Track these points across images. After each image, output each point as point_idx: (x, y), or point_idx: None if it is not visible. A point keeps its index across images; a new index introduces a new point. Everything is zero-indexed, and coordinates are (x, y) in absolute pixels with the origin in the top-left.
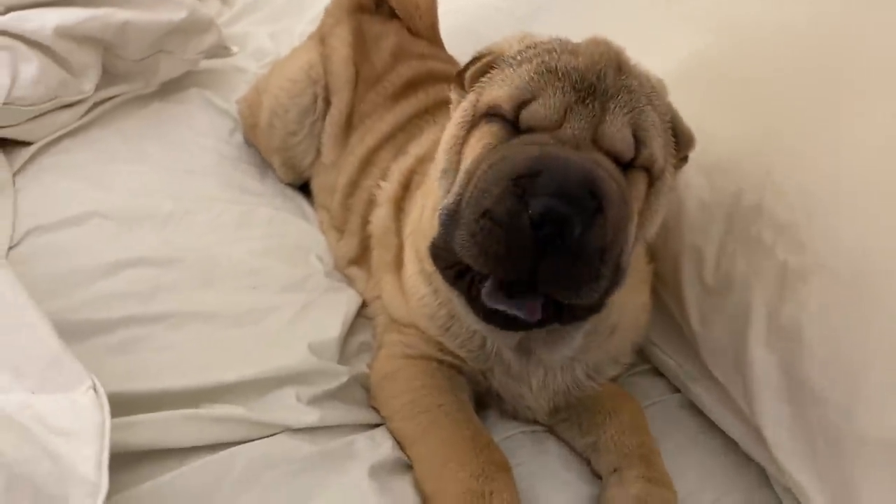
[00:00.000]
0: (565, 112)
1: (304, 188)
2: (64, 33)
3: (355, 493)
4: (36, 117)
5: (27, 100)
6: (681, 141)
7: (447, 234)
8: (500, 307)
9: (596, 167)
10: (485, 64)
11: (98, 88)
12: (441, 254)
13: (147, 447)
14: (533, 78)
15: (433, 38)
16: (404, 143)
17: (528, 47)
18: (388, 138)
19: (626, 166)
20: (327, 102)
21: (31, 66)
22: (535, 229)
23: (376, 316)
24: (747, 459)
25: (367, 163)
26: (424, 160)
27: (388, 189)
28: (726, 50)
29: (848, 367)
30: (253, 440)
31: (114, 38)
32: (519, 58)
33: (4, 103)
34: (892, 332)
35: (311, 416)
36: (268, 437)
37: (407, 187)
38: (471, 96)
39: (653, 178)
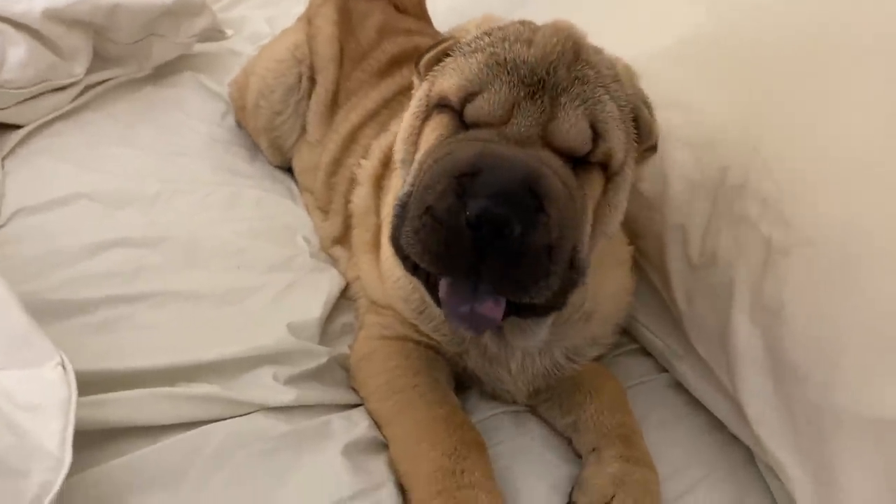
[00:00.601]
0: (512, 108)
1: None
2: (52, 16)
3: (329, 472)
4: (26, 100)
5: (15, 83)
6: (642, 132)
7: (398, 226)
8: (456, 307)
9: (539, 165)
10: (441, 50)
11: (90, 72)
12: (398, 245)
13: (120, 424)
14: (482, 70)
15: (420, 14)
16: (387, 120)
17: (485, 34)
18: (372, 116)
19: (580, 161)
20: (312, 82)
21: (20, 50)
22: (473, 230)
23: (358, 298)
24: (733, 438)
25: (350, 140)
26: None
27: (368, 167)
28: (718, 27)
29: (828, 344)
30: (227, 419)
31: (104, 20)
32: (472, 46)
33: None
34: (872, 309)
35: (288, 396)
36: (243, 415)
37: (387, 165)
38: (425, 85)
39: (610, 173)
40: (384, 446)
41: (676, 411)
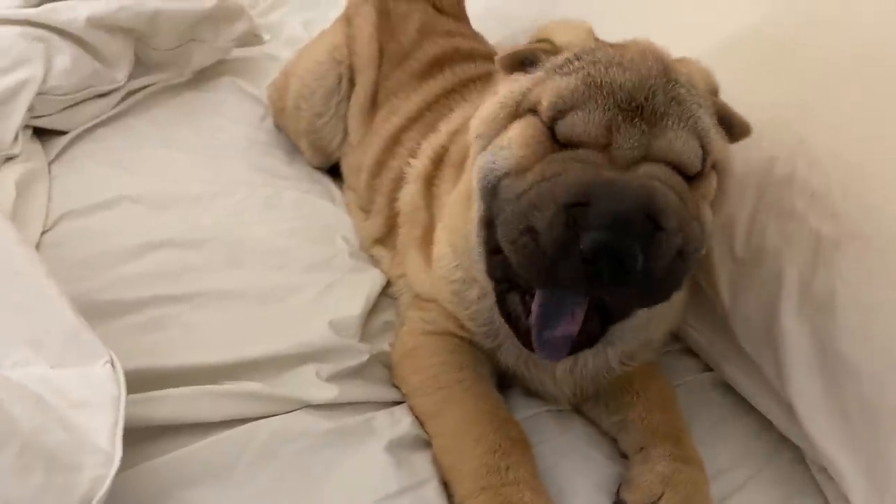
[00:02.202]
0: (609, 129)
1: (332, 171)
2: (96, 24)
3: (373, 468)
4: (70, 106)
5: (61, 89)
6: (736, 131)
7: (488, 226)
8: (549, 331)
9: (651, 182)
10: (528, 52)
11: (132, 78)
12: (496, 266)
13: (167, 422)
14: (578, 88)
15: (459, 14)
16: (434, 121)
17: (577, 58)
18: (416, 118)
19: (692, 177)
20: (352, 83)
21: (65, 57)
22: (589, 263)
23: (401, 294)
24: (782, 438)
25: (393, 142)
26: (456, 136)
27: (418, 166)
28: (768, 26)
29: (882, 338)
30: (272, 416)
31: (145, 27)
32: (566, 69)
33: (39, 93)
34: None
35: (331, 393)
36: (287, 413)
37: (438, 164)
38: (523, 83)
39: (720, 171)
40: (428, 443)
41: (724, 411)
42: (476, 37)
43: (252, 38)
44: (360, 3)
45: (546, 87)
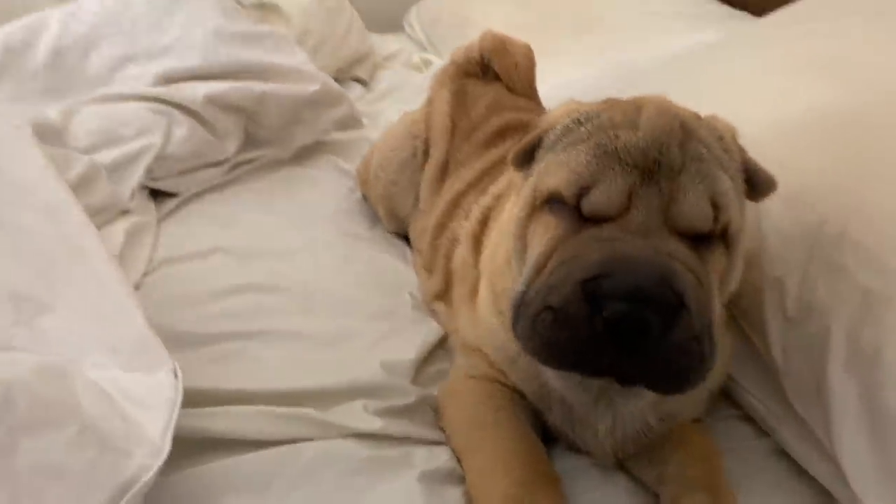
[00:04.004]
0: (630, 196)
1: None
2: (211, 101)
3: (403, 496)
4: (184, 173)
5: (176, 156)
6: (759, 188)
7: (515, 322)
8: None
9: (670, 261)
10: (531, 140)
11: (241, 151)
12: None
13: (222, 435)
14: (591, 161)
15: (531, 95)
16: (487, 185)
17: (579, 122)
18: (475, 183)
19: (702, 239)
20: (426, 155)
21: (183, 129)
22: (610, 335)
23: (455, 348)
24: None
25: (453, 206)
26: (501, 197)
27: (467, 227)
28: (826, 98)
29: None
30: (318, 440)
31: (254, 106)
32: (570, 138)
33: (157, 158)
34: None
35: (375, 424)
36: (332, 438)
37: (485, 223)
38: (531, 179)
39: (729, 240)
40: (462, 479)
41: (777, 476)
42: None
43: (352, 121)
44: (440, 87)
45: (553, 167)
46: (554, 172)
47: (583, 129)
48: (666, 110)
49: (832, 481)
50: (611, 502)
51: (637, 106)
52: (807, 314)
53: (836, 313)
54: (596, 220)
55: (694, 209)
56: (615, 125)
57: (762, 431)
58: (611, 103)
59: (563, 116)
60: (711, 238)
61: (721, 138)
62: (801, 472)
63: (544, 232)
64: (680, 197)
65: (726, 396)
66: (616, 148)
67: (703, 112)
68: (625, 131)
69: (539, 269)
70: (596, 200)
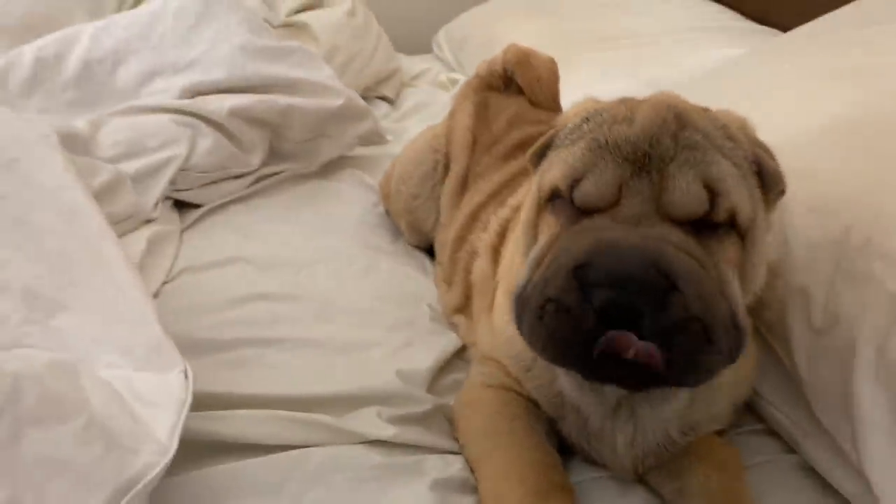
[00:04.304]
0: (620, 187)
1: (431, 252)
2: (236, 114)
3: (413, 501)
4: (208, 184)
5: (200, 167)
6: (767, 181)
7: (519, 318)
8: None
9: (661, 243)
10: (545, 141)
11: (265, 164)
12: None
13: (232, 439)
14: (584, 154)
15: (554, 108)
16: (506, 197)
17: (585, 120)
18: (494, 195)
19: (705, 226)
20: (447, 169)
21: (207, 141)
22: (602, 322)
23: (473, 359)
24: None
25: (473, 218)
26: (519, 209)
27: (486, 238)
28: (855, 107)
29: None
30: (329, 445)
31: (279, 119)
32: (575, 134)
33: (182, 169)
34: None
35: (388, 431)
36: (343, 444)
37: (503, 235)
38: (536, 178)
39: (742, 230)
40: (475, 488)
41: (803, 494)
42: None
43: (376, 137)
44: (462, 100)
45: (553, 163)
46: (553, 168)
47: (585, 126)
48: (664, 103)
49: (859, 497)
50: None
51: (641, 102)
52: (833, 324)
53: (864, 322)
54: (590, 212)
55: (684, 194)
56: (614, 120)
57: (787, 446)
58: (622, 100)
59: (575, 115)
60: (718, 226)
61: (725, 127)
62: (826, 488)
63: (547, 231)
64: (670, 184)
65: (751, 410)
66: (608, 141)
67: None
68: (620, 126)
69: (538, 264)
70: (586, 191)
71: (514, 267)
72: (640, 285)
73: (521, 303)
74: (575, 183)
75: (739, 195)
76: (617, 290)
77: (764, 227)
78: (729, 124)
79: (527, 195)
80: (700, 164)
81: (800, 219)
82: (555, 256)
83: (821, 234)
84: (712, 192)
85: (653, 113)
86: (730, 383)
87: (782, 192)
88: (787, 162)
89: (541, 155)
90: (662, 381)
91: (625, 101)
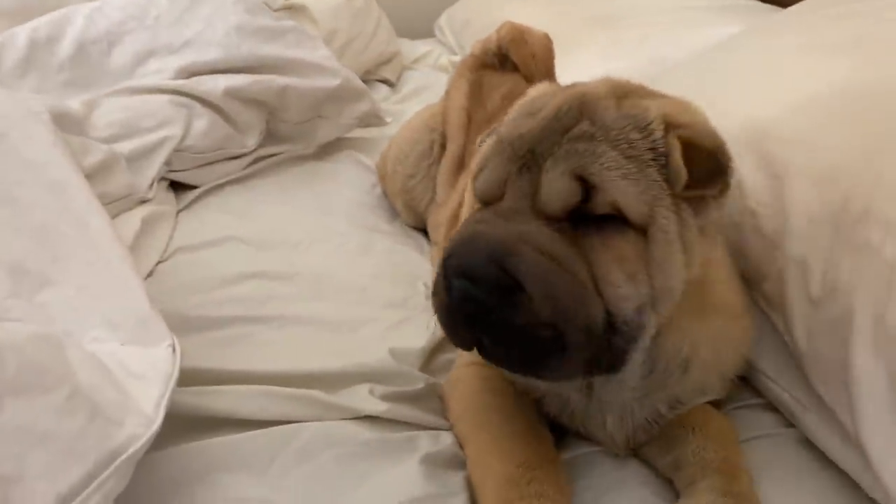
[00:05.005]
0: (505, 183)
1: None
2: (232, 94)
3: (404, 478)
4: (203, 165)
5: (196, 148)
6: (671, 176)
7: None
8: None
9: (513, 241)
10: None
11: (262, 146)
12: None
13: (222, 414)
14: (490, 148)
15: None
16: None
17: (517, 108)
18: None
19: (583, 220)
20: (443, 148)
21: (202, 122)
22: (458, 309)
23: None
24: (862, 497)
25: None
26: None
27: None
28: (855, 80)
29: None
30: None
31: (275, 100)
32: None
33: (177, 150)
34: None
35: (380, 407)
36: (334, 420)
37: None
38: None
39: (637, 225)
40: (464, 464)
41: (799, 467)
42: None
43: (374, 118)
44: (458, 79)
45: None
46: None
47: (509, 116)
48: (578, 94)
49: (857, 470)
50: (619, 486)
51: (562, 91)
52: (831, 294)
53: (862, 292)
54: (486, 203)
55: (552, 188)
56: (526, 113)
57: (786, 421)
58: (567, 87)
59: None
60: (603, 221)
61: (637, 118)
62: (825, 462)
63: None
64: (543, 179)
65: (749, 385)
66: (508, 136)
67: (727, 101)
68: (523, 119)
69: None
70: (479, 185)
71: None
72: (482, 280)
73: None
74: (478, 175)
75: (623, 188)
76: (462, 281)
77: (671, 227)
78: (648, 115)
79: None
80: (579, 156)
81: (798, 189)
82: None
83: (819, 203)
84: (587, 185)
85: (557, 106)
86: (708, 359)
87: (722, 188)
88: (787, 133)
89: None
90: (509, 366)
91: (550, 91)
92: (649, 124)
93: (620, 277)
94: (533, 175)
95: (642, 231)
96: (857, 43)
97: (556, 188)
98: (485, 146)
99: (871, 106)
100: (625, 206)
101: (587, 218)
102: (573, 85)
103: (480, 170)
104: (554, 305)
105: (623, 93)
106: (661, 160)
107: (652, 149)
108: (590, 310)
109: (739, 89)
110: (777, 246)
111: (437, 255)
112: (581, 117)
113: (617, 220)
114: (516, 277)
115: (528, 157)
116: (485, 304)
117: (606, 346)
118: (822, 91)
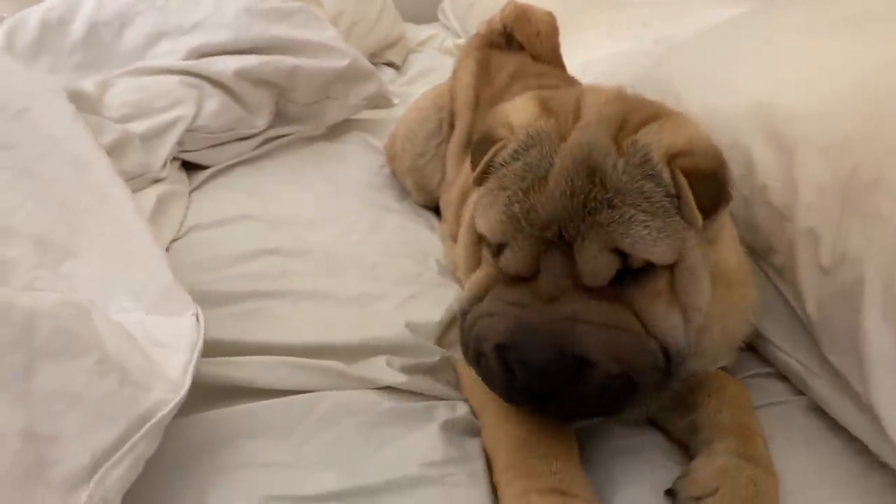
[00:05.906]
0: (537, 260)
1: (438, 210)
2: (242, 75)
3: (424, 444)
4: (215, 146)
5: (207, 129)
6: (685, 216)
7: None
8: None
9: (572, 325)
10: (489, 159)
11: (272, 127)
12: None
13: (244, 383)
14: (503, 221)
15: (555, 62)
16: None
17: (514, 155)
18: None
19: (624, 275)
20: (452, 127)
21: (213, 102)
22: (527, 390)
23: None
24: (874, 462)
25: None
26: None
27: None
28: (856, 40)
29: None
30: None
31: (285, 81)
32: (501, 174)
33: (189, 130)
34: None
35: (399, 378)
36: (353, 390)
37: None
38: (470, 208)
39: (674, 266)
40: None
41: (810, 433)
42: (570, 80)
43: (382, 100)
44: (465, 58)
45: (481, 209)
46: (481, 216)
47: (512, 167)
48: (583, 156)
49: (868, 435)
50: (633, 450)
51: (559, 147)
52: (841, 263)
53: (872, 260)
54: (511, 279)
55: (594, 266)
56: (531, 172)
57: (795, 389)
58: (539, 133)
59: (520, 129)
60: (638, 271)
61: (646, 164)
62: (836, 428)
63: (485, 266)
64: (580, 258)
65: (758, 355)
66: (519, 213)
67: (735, 80)
68: (533, 192)
69: (474, 301)
70: (507, 263)
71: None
72: (553, 371)
73: (463, 332)
74: (499, 248)
75: (653, 248)
76: (533, 375)
77: (696, 252)
78: (652, 157)
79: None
80: (606, 231)
81: (808, 160)
82: (482, 316)
83: (829, 174)
84: (623, 255)
85: (566, 174)
86: (719, 330)
87: (726, 202)
88: (796, 108)
89: (484, 172)
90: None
91: (545, 145)
92: (655, 166)
93: (663, 312)
94: (565, 253)
95: (670, 266)
96: (864, 17)
97: (597, 266)
98: (485, 199)
99: (878, 79)
100: (658, 260)
101: (624, 273)
102: (563, 102)
103: (502, 244)
104: (620, 362)
105: (618, 125)
106: (675, 200)
107: (666, 194)
108: (649, 351)
109: (746, 67)
110: (787, 218)
111: (446, 230)
112: (593, 186)
113: (647, 265)
114: (583, 357)
115: (557, 235)
116: (555, 387)
117: (666, 371)
118: (830, 66)
